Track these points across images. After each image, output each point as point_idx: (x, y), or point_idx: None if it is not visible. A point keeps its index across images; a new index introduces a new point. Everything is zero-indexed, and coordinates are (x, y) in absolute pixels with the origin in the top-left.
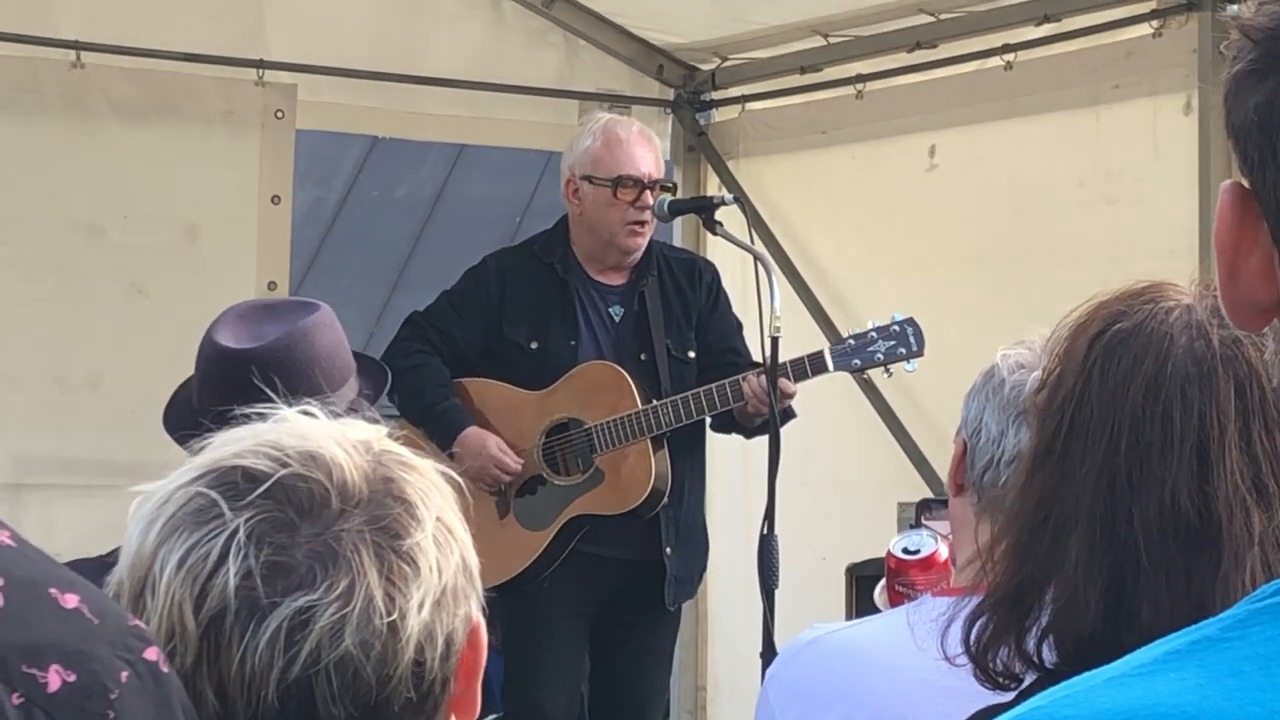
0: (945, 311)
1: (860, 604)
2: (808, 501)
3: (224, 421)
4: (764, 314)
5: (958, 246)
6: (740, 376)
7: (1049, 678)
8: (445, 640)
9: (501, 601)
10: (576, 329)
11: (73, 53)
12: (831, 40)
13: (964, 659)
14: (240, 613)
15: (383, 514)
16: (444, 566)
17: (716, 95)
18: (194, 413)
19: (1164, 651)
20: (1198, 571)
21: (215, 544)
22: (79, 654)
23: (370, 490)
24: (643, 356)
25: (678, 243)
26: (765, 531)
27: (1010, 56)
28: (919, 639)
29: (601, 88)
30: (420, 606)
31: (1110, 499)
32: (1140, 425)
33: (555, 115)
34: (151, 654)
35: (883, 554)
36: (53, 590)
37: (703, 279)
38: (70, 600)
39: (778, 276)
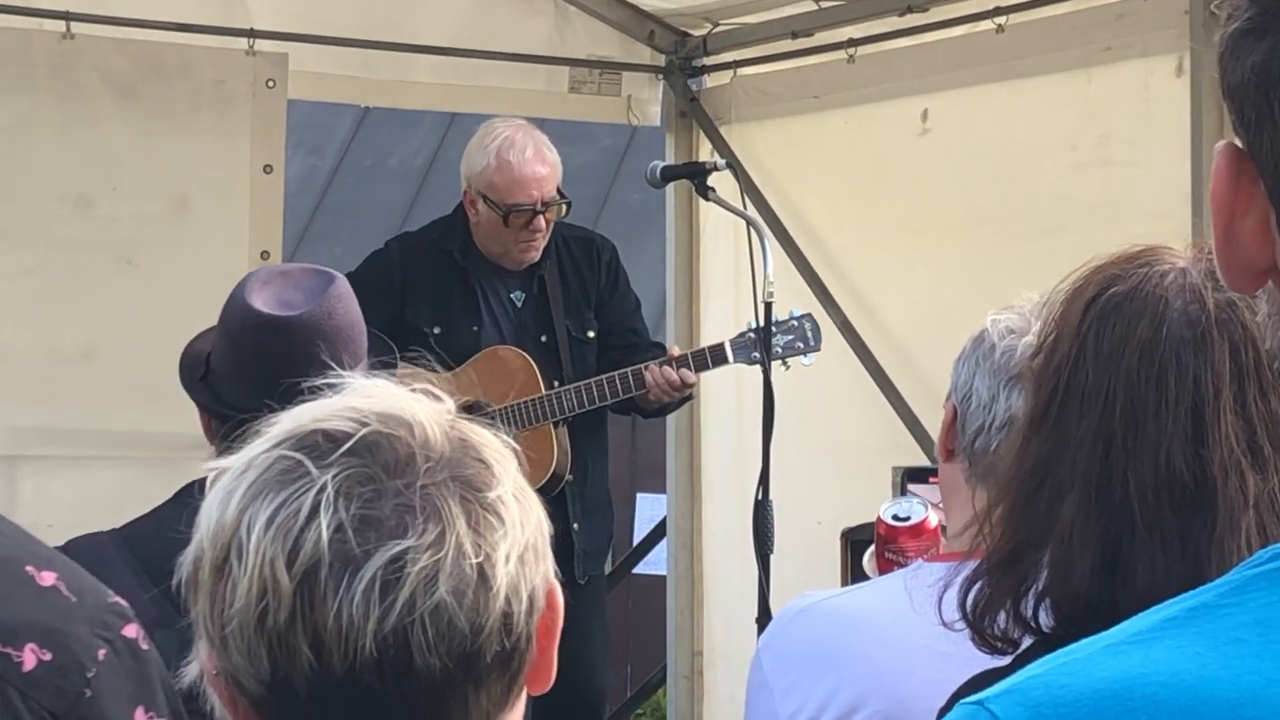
0: (938, 275)
1: (855, 569)
2: (802, 466)
3: (290, 397)
4: (757, 279)
5: (950, 210)
6: (643, 365)
7: (1045, 642)
8: (529, 596)
9: None
10: (479, 314)
11: (62, 24)
12: (823, 4)
13: (961, 624)
14: (334, 565)
15: (465, 469)
16: (525, 522)
17: (708, 61)
18: (228, 379)
19: (1161, 619)
20: (1192, 535)
21: (305, 500)
22: (56, 632)
23: (450, 448)
24: (544, 338)
25: (670, 209)
26: (760, 497)
27: (1002, 19)
28: (916, 604)
29: (592, 54)
30: (508, 558)
31: (1105, 463)
32: (1135, 389)
33: (546, 82)
34: (130, 631)
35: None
36: (29, 568)
37: (601, 258)
38: (47, 578)
39: (771, 242)
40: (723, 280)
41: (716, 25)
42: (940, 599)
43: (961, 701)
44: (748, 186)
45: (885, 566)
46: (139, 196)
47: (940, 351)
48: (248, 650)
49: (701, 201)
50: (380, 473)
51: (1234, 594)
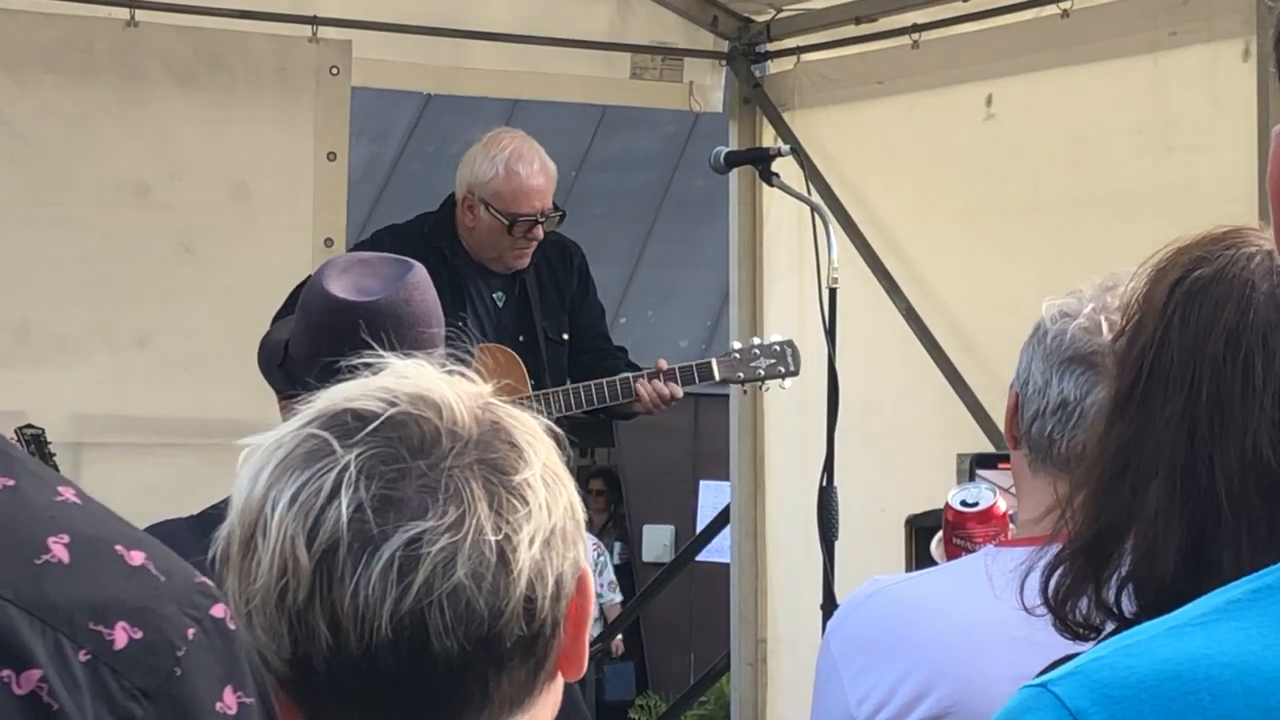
0: (1003, 261)
1: (920, 555)
2: (866, 453)
3: (331, 375)
4: (821, 265)
5: (1015, 196)
6: (631, 376)
7: (1128, 627)
8: (555, 581)
9: None
10: (467, 311)
11: (127, 11)
12: None
13: (1043, 609)
14: (353, 545)
15: (492, 452)
16: (553, 506)
17: (771, 47)
18: (304, 364)
19: (1225, 600)
20: (1278, 521)
21: (327, 479)
22: (146, 611)
23: (480, 430)
24: (521, 338)
25: (733, 195)
26: (824, 483)
27: (1067, 4)
28: (990, 588)
29: (654, 40)
30: (531, 542)
31: (1190, 448)
32: (1221, 373)
33: (607, 69)
34: (218, 610)
35: (942, 505)
36: (119, 547)
37: (572, 261)
38: (136, 557)
39: (834, 228)
40: (786, 266)
41: (780, 11)
42: (1022, 584)
43: (1025, 684)
44: (811, 172)
45: (953, 552)
46: (199, 184)
47: (1004, 338)
48: (270, 628)
49: (765, 187)
50: (405, 453)
51: None
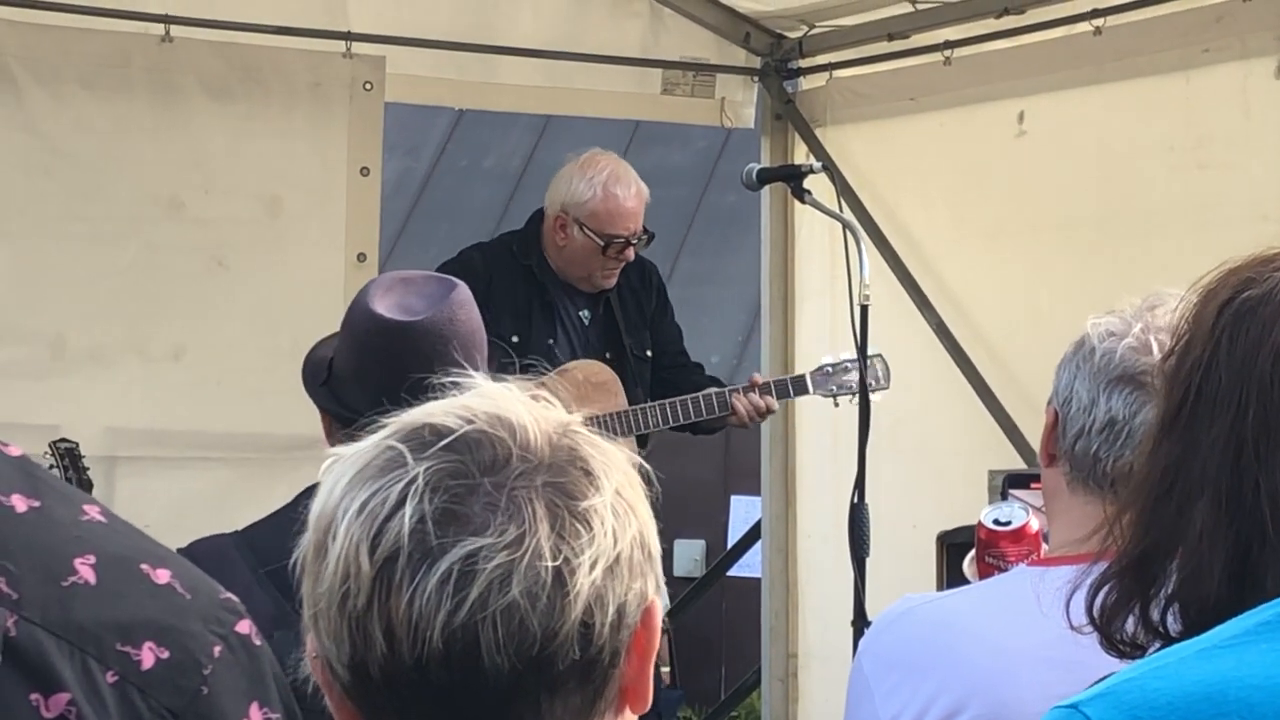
0: (1035, 279)
1: (951, 572)
2: (898, 470)
3: (416, 396)
4: (853, 282)
5: (1047, 213)
6: (727, 390)
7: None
8: (617, 609)
9: None
10: (554, 328)
11: (162, 27)
12: (919, 6)
13: (1089, 628)
14: (413, 555)
15: (561, 476)
16: (620, 535)
17: (804, 63)
18: (349, 382)
19: (1255, 623)
20: None
21: (394, 489)
22: (172, 630)
23: (553, 454)
24: (608, 355)
25: (765, 212)
26: (856, 500)
27: (1099, 21)
28: (1032, 609)
29: (686, 56)
30: (592, 566)
31: (1236, 467)
32: (1268, 394)
33: (638, 84)
34: (244, 627)
35: (974, 523)
36: (144, 566)
37: (651, 281)
38: (162, 575)
39: (866, 244)
40: (818, 283)
41: (812, 27)
42: (1068, 602)
43: (1056, 705)
44: (843, 189)
45: (985, 570)
46: (233, 198)
47: (1036, 355)
48: (333, 632)
49: (797, 204)
50: (474, 469)
51: None
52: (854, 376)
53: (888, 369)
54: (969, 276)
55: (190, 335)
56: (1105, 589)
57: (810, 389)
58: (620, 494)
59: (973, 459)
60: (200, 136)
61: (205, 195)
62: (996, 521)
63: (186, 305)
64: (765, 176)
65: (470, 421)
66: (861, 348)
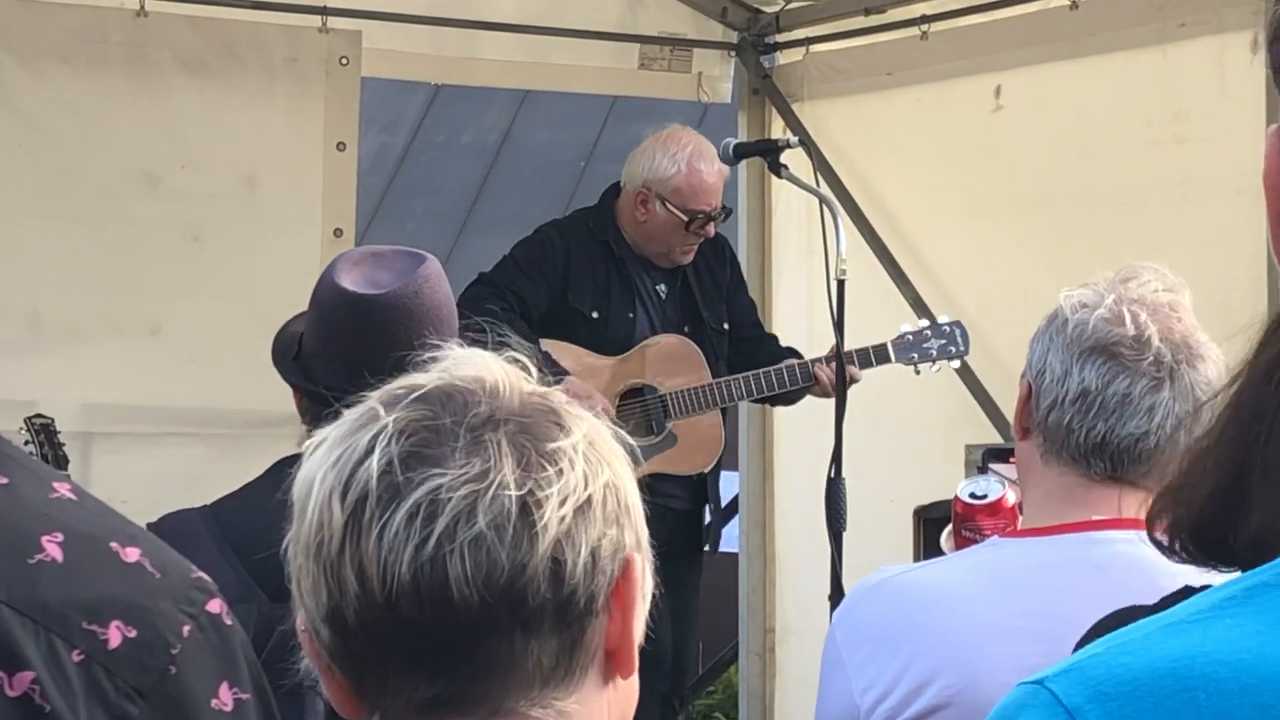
0: (1011, 253)
1: (929, 547)
2: (875, 444)
3: (392, 368)
4: (830, 256)
5: (1024, 187)
6: (810, 361)
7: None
8: (590, 552)
9: None
10: (634, 303)
11: (138, 1)
12: None
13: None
14: (382, 496)
15: (531, 422)
16: (591, 479)
17: (781, 38)
18: (317, 357)
19: (1221, 598)
20: None
21: (364, 438)
22: (140, 609)
23: (523, 406)
24: (686, 330)
25: (742, 186)
26: (832, 475)
27: None
28: (1001, 581)
29: (663, 31)
30: (561, 503)
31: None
32: None
33: (616, 59)
34: (214, 606)
35: (950, 497)
36: (114, 544)
37: (725, 254)
38: (132, 554)
39: (843, 219)
40: (795, 257)
41: (789, 2)
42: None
43: (1022, 681)
44: (820, 163)
45: (962, 544)
46: (209, 174)
47: (1013, 329)
48: (311, 585)
49: (774, 179)
50: (444, 417)
51: None
52: (935, 344)
53: (966, 336)
54: (946, 251)
55: (167, 311)
56: (1154, 505)
57: (892, 357)
58: (593, 444)
59: (950, 434)
60: (177, 112)
61: (182, 171)
62: (973, 495)
63: (163, 281)
64: (742, 151)
65: (444, 378)
66: (839, 322)
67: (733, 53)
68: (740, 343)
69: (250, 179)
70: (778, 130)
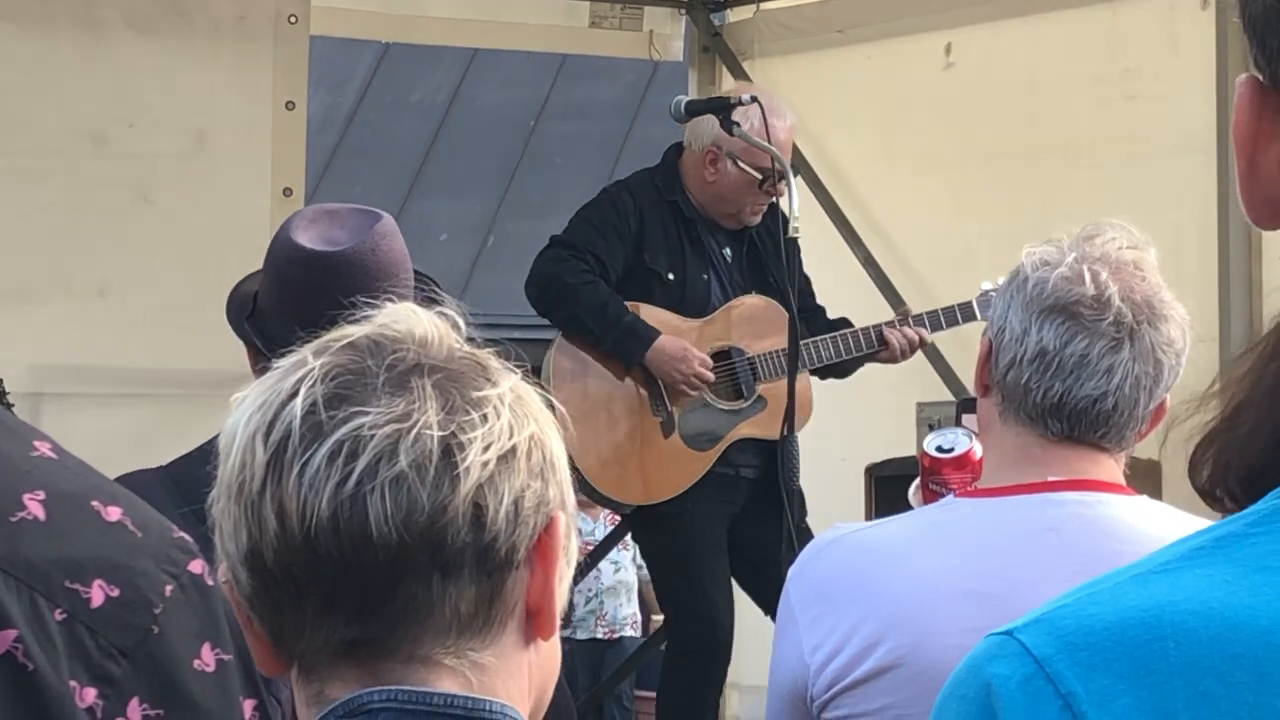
0: (962, 210)
1: (880, 504)
2: (826, 403)
3: (334, 323)
4: (782, 213)
5: (975, 145)
6: (882, 324)
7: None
8: (513, 501)
9: (652, 523)
10: (708, 264)
11: None
12: None
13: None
14: (305, 435)
15: (458, 371)
16: (516, 429)
17: None
18: (272, 316)
19: (1190, 548)
20: None
21: (290, 382)
22: (123, 568)
23: (450, 356)
24: (754, 292)
25: None
26: (785, 433)
27: None
28: (954, 540)
29: None
30: (485, 448)
31: None
32: None
33: (566, 18)
34: (196, 566)
35: (902, 454)
36: (95, 503)
37: (781, 218)
38: (113, 513)
39: (794, 177)
40: None
41: None
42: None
43: (990, 633)
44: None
45: (930, 497)
46: (158, 133)
47: (963, 285)
48: (232, 526)
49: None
50: (370, 363)
51: (1263, 523)
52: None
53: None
54: (897, 209)
55: (115, 271)
56: (1198, 451)
57: (978, 315)
58: (520, 398)
59: (901, 392)
60: (125, 71)
61: (130, 130)
62: (939, 448)
63: (111, 241)
64: (694, 109)
65: (375, 329)
66: (791, 280)
67: (683, 10)
68: (800, 310)
69: (199, 138)
70: (728, 88)
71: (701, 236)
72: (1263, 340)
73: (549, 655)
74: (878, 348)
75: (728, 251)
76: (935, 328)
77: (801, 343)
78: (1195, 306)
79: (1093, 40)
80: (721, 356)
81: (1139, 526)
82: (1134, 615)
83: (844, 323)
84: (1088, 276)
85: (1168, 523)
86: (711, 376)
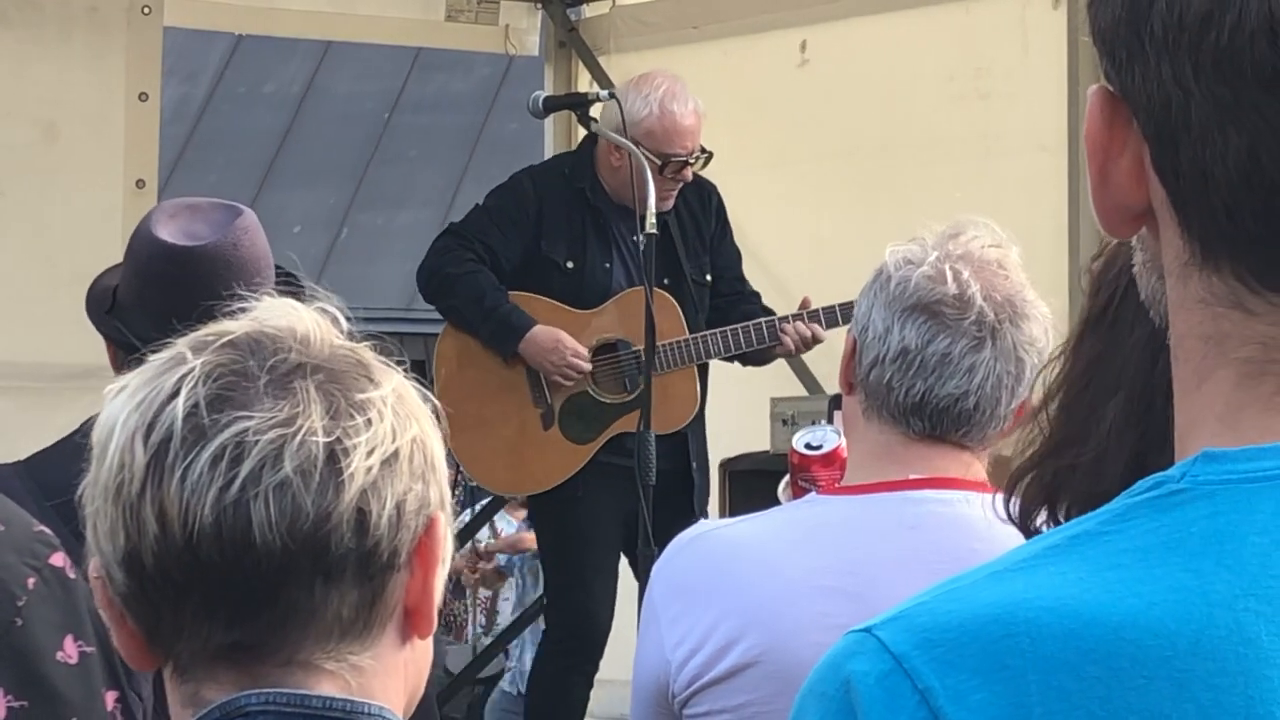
0: (818, 206)
1: (735, 499)
2: None
3: (205, 319)
4: (638, 210)
5: (829, 141)
6: (777, 319)
7: None
8: (396, 505)
9: (540, 512)
10: (610, 253)
11: None
12: None
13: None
14: (186, 438)
15: (340, 370)
16: (399, 432)
17: None
18: (132, 310)
19: (1044, 546)
20: None
21: (170, 381)
22: None
23: (332, 357)
24: (666, 281)
25: (549, 140)
26: (641, 428)
27: None
28: (815, 538)
29: None
30: (369, 453)
31: (1151, 371)
32: None
33: (422, 10)
34: (57, 560)
35: (756, 449)
36: None
37: (711, 202)
38: None
39: (651, 173)
40: None
41: None
42: (994, 497)
43: (850, 630)
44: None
45: (799, 494)
46: (8, 124)
47: (818, 281)
48: (109, 528)
49: (580, 131)
50: (252, 362)
51: (1115, 521)
52: None
53: None
54: (752, 205)
55: None
56: (1023, 482)
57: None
58: (401, 399)
59: (755, 387)
60: None
61: None
62: (808, 446)
63: None
64: (552, 105)
65: (254, 325)
66: (649, 277)
67: (539, 5)
68: (719, 297)
69: (49, 130)
70: (584, 83)
71: (608, 224)
72: (1067, 357)
73: (423, 652)
74: (771, 343)
75: (639, 238)
76: (831, 324)
77: (697, 336)
78: (1048, 305)
79: (946, 38)
80: (609, 349)
81: (997, 525)
82: (989, 612)
83: (769, 313)
84: (950, 276)
85: None
86: (587, 367)
